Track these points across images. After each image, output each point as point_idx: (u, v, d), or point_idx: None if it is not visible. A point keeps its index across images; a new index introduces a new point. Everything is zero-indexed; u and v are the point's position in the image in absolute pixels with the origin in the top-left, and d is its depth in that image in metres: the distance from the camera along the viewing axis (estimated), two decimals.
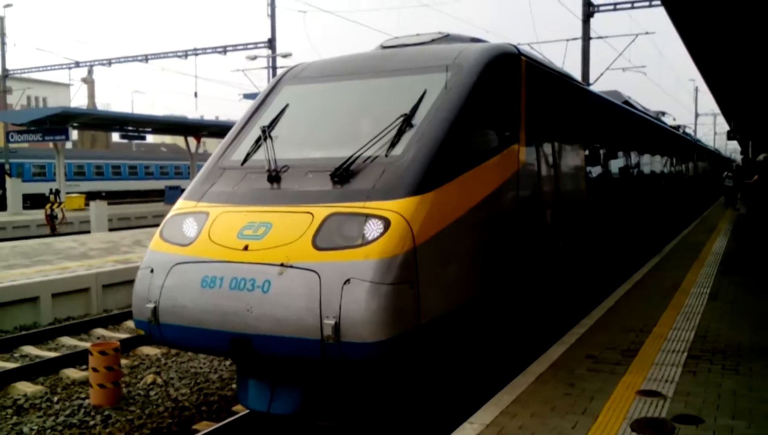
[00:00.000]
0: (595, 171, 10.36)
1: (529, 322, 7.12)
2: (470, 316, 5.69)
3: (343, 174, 5.45)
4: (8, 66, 39.65)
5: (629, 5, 22.89)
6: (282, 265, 4.94)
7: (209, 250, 5.35)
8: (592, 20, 23.04)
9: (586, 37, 22.99)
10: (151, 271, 5.55)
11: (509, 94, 6.68)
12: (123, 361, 8.56)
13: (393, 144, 5.59)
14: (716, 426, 4.75)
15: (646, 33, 24.37)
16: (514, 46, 7.02)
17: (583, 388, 5.60)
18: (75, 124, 31.16)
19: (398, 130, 5.68)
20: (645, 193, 14.77)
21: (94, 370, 7.36)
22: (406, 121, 5.74)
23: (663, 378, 5.83)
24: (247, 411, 6.38)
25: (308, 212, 5.23)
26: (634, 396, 5.38)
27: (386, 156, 5.52)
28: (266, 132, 6.27)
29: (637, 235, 13.84)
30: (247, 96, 34.31)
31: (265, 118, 6.66)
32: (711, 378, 5.83)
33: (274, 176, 5.78)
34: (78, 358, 8.96)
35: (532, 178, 7.04)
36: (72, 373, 8.56)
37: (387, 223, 4.92)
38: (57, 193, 27.70)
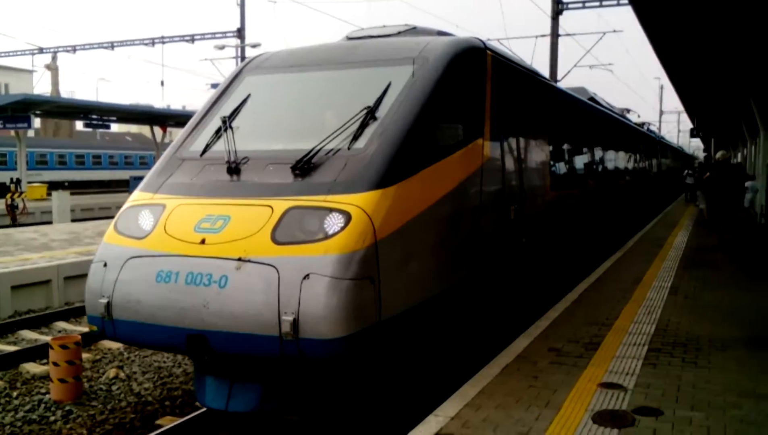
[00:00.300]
0: (560, 167, 10.47)
1: (493, 315, 7.17)
2: (433, 311, 5.68)
3: (305, 167, 5.36)
4: None
5: (597, 3, 23.12)
6: (240, 259, 4.84)
7: (165, 243, 5.23)
8: (561, 17, 23.25)
9: (555, 34, 23.19)
10: (105, 264, 5.41)
11: (474, 89, 6.68)
12: (84, 355, 8.42)
13: (356, 137, 5.51)
14: (675, 418, 4.85)
15: (614, 31, 24.67)
16: (481, 41, 7.02)
17: (547, 380, 5.66)
18: (37, 112, 30.55)
19: (361, 123, 5.61)
20: (609, 188, 14.98)
21: (55, 364, 7.23)
22: (370, 114, 5.67)
23: (624, 371, 5.92)
24: None
25: (268, 205, 5.14)
26: (596, 388, 5.47)
27: (349, 149, 5.45)
28: (227, 122, 6.15)
29: (601, 230, 14.04)
30: (214, 86, 33.97)
31: (226, 108, 6.53)
32: (671, 371, 5.94)
33: (234, 168, 5.67)
34: (38, 352, 8.79)
35: (496, 174, 7.06)
36: (32, 368, 8.40)
37: (348, 218, 4.86)
38: (18, 182, 27.11)
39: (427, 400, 5.82)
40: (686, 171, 35.13)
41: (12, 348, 9.24)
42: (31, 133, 43.77)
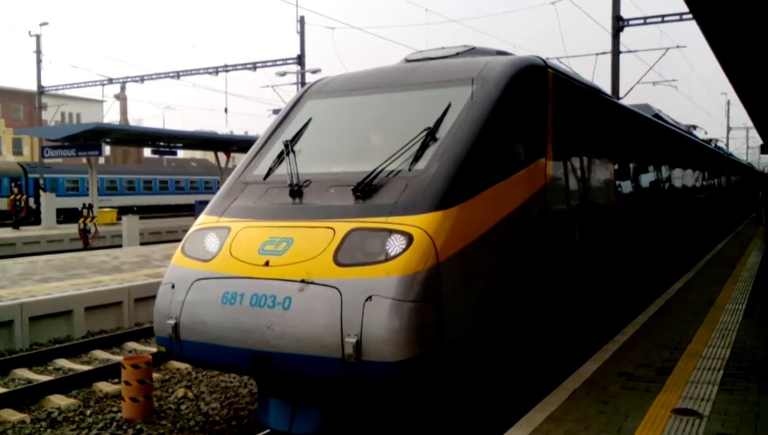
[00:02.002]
0: (625, 185, 10.24)
1: (559, 339, 7.03)
2: (497, 333, 5.61)
3: (366, 188, 5.40)
4: (44, 83, 40.44)
5: (659, 19, 22.68)
6: (303, 281, 4.90)
7: (230, 265, 5.33)
8: (621, 34, 22.88)
9: (616, 51, 22.82)
10: (173, 286, 5.56)
11: (536, 107, 6.62)
12: (154, 375, 8.62)
13: (416, 158, 5.53)
14: None
15: (677, 47, 24.09)
16: (541, 59, 6.96)
17: (618, 406, 5.51)
18: (108, 140, 31.68)
19: (422, 144, 5.62)
20: (677, 207, 14.56)
21: (127, 383, 7.42)
22: (430, 135, 5.68)
23: (699, 396, 5.72)
24: None
25: (330, 227, 5.19)
26: (670, 415, 5.29)
27: (409, 170, 5.46)
28: (289, 146, 6.27)
29: (670, 251, 13.64)
30: (275, 111, 34.59)
31: (288, 133, 6.66)
32: (748, 397, 5.70)
33: (296, 191, 5.77)
34: (110, 372, 9.05)
35: (560, 193, 6.96)
36: (104, 387, 8.64)
37: (410, 239, 4.85)
38: (90, 207, 28.10)
39: (494, 426, 5.73)
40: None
41: (85, 367, 9.54)
42: (101, 160, 45.45)
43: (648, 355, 7.04)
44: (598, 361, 6.82)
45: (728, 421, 5.12)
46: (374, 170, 5.49)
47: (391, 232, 4.96)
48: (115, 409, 7.85)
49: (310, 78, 32.21)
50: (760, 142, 37.65)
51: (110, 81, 39.92)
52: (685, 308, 9.65)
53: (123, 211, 37.92)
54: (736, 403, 5.52)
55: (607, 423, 5.12)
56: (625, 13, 23.12)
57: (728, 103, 69.94)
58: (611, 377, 6.29)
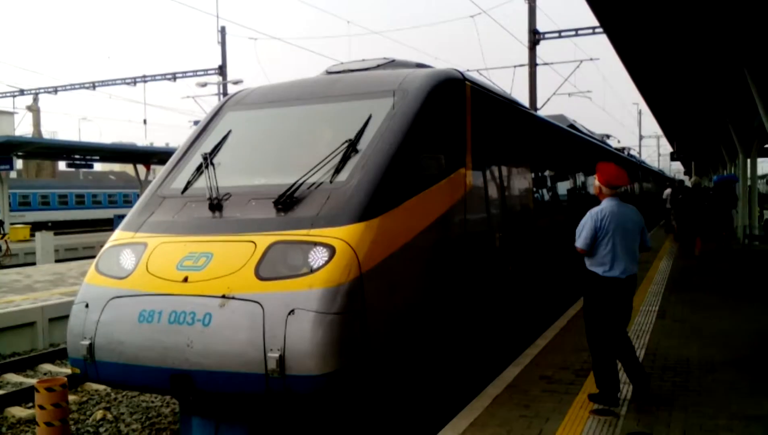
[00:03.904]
0: (543, 193, 10.56)
1: (482, 345, 7.16)
2: (420, 342, 5.66)
3: (287, 201, 5.36)
4: None
5: (573, 32, 23.52)
6: (223, 296, 4.81)
7: (147, 282, 5.18)
8: (538, 47, 23.61)
9: (533, 64, 23.52)
10: (86, 305, 5.35)
11: (455, 119, 6.74)
12: (71, 397, 8.30)
13: (338, 170, 5.53)
14: None
15: (591, 59, 25.01)
16: (459, 72, 7.11)
17: (538, 409, 5.65)
18: (20, 154, 30.42)
19: (343, 156, 5.62)
20: None
21: (41, 407, 7.08)
22: (351, 147, 5.69)
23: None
24: None
25: (251, 241, 5.12)
26: (588, 416, 5.46)
27: (331, 182, 5.46)
28: (208, 159, 6.16)
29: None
30: (196, 123, 33.89)
31: (207, 145, 6.54)
32: (662, 395, 5.93)
33: (216, 204, 5.66)
34: (24, 396, 8.65)
35: (480, 202, 7.10)
36: (18, 412, 8.25)
37: (332, 251, 4.84)
38: (1, 224, 26.92)
39: (418, 433, 5.77)
40: (666, 192, 29.37)
41: None
42: (13, 174, 43.55)
43: (567, 358, 7.25)
44: (519, 366, 6.98)
45: (643, 420, 5.33)
46: (295, 182, 5.46)
47: (313, 244, 4.93)
48: (29, 434, 7.50)
49: (231, 89, 31.81)
50: (670, 149, 39.49)
51: (22, 92, 38.46)
52: None
53: (37, 226, 36.38)
54: (650, 403, 5.74)
55: (529, 426, 5.24)
56: (540, 27, 23.97)
57: (639, 112, 72.97)
58: (533, 381, 6.45)
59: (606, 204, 5.81)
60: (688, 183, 30.58)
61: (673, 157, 41.83)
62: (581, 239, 5.76)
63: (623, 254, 5.65)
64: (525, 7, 23.58)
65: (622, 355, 5.76)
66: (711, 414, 5.41)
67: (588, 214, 5.84)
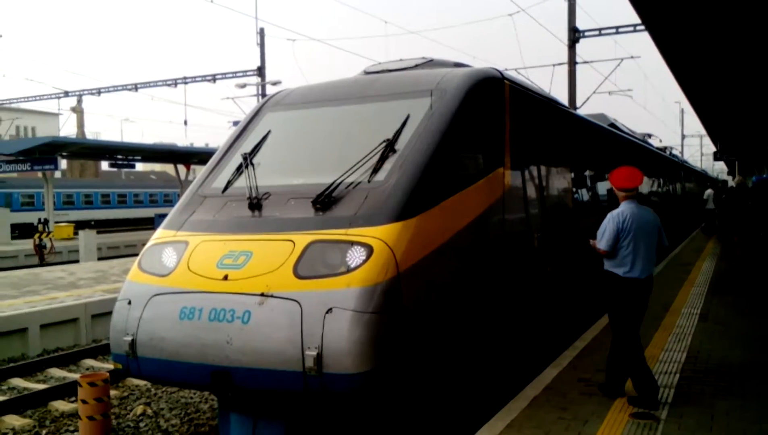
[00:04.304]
0: (582, 193, 10.41)
1: (520, 346, 7.09)
2: (459, 343, 5.64)
3: (325, 200, 5.39)
4: None
5: (614, 30, 23.17)
6: (262, 294, 4.86)
7: (188, 280, 5.26)
8: (577, 45, 23.31)
9: (572, 62, 23.23)
10: (129, 302, 5.45)
11: (493, 118, 6.70)
12: (112, 392, 8.45)
13: (376, 170, 5.54)
14: None
15: (632, 57, 24.56)
16: (498, 70, 7.05)
17: (577, 411, 5.57)
18: (64, 154, 31.09)
19: (381, 156, 5.63)
20: None
21: (84, 401, 7.25)
22: (389, 147, 5.70)
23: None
24: None
25: (289, 240, 5.16)
26: (628, 419, 5.37)
27: (369, 182, 5.47)
28: (247, 159, 6.23)
29: None
30: (235, 123, 34.24)
31: (246, 145, 6.62)
32: (704, 399, 5.82)
33: (255, 204, 5.72)
34: (67, 390, 8.84)
35: (518, 202, 7.04)
36: (61, 406, 8.45)
37: (370, 250, 4.85)
38: (46, 222, 27.53)
39: (456, 434, 5.75)
40: (707, 192, 27.52)
41: (41, 386, 9.30)
42: (57, 174, 44.56)
43: (605, 360, 7.12)
44: (557, 367, 6.90)
45: (684, 424, 5.22)
46: (333, 182, 5.48)
47: (351, 243, 4.94)
48: (71, 428, 7.68)
49: (270, 90, 32.07)
50: (713, 149, 38.65)
51: (66, 94, 39.30)
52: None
53: (80, 225, 37.18)
54: (692, 406, 5.63)
55: (567, 429, 5.18)
56: (580, 25, 23.57)
57: (682, 111, 71.60)
58: (571, 383, 6.37)
59: (624, 206, 5.90)
60: (731, 183, 29.92)
61: (716, 156, 40.95)
62: (604, 241, 5.87)
63: (642, 255, 5.77)
64: (564, 5, 23.33)
65: (632, 355, 5.79)
66: (754, 419, 5.28)
67: (608, 216, 5.94)
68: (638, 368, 5.71)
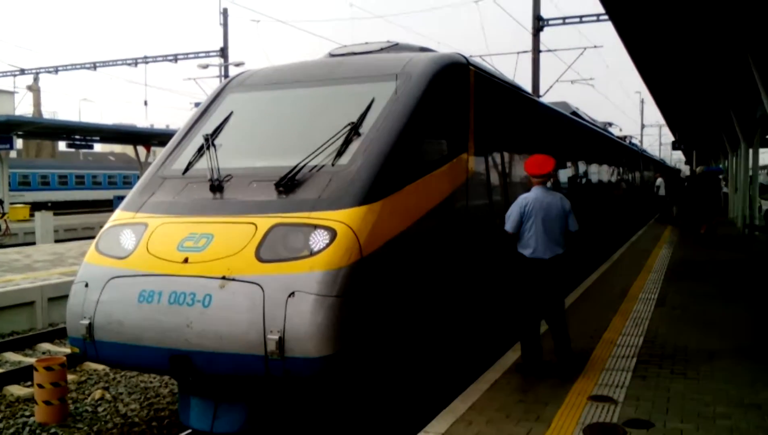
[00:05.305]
0: None
1: (481, 329, 7.16)
2: (421, 326, 5.67)
3: (289, 183, 5.33)
4: None
5: (578, 19, 23.38)
6: (224, 277, 4.79)
7: (147, 262, 5.16)
8: (541, 34, 23.46)
9: (536, 50, 23.38)
10: (86, 285, 5.33)
11: (458, 104, 6.70)
12: (70, 377, 8.30)
13: (340, 153, 5.50)
14: (666, 430, 4.85)
15: (594, 47, 24.80)
16: (463, 56, 7.05)
17: (537, 394, 5.66)
18: (20, 133, 30.34)
19: (345, 139, 5.59)
20: (594, 200, 15.07)
21: (40, 386, 7.12)
22: (354, 130, 5.66)
23: (613, 383, 5.93)
24: None
25: (251, 223, 5.10)
26: (586, 401, 5.46)
27: (333, 165, 5.43)
28: (209, 140, 6.13)
29: (587, 242, 14.09)
30: (197, 104, 33.85)
31: (208, 127, 6.50)
32: (660, 382, 5.95)
33: (217, 186, 5.64)
34: (23, 374, 8.66)
35: (482, 187, 7.08)
36: (16, 390, 8.27)
37: (333, 234, 4.82)
38: (0, 203, 26.87)
39: (417, 416, 5.78)
40: (657, 181, 26.87)
41: None
42: (13, 154, 43.46)
43: None
44: (518, 351, 6.97)
45: (641, 407, 5.33)
46: (297, 165, 5.43)
47: (314, 227, 4.91)
48: (27, 413, 7.52)
49: (233, 71, 31.64)
50: (672, 138, 39.41)
51: (22, 72, 38.30)
52: (601, 298, 10.00)
53: (36, 207, 36.36)
54: (648, 389, 5.76)
55: (527, 411, 5.26)
56: (545, 13, 23.77)
57: (642, 101, 72.77)
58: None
59: (532, 192, 6.33)
60: (685, 173, 30.71)
61: (675, 146, 41.79)
62: (509, 223, 6.31)
63: (546, 237, 6.17)
64: None
65: (554, 328, 6.35)
66: (709, 401, 5.42)
67: (515, 201, 6.34)
68: (530, 339, 6.30)
